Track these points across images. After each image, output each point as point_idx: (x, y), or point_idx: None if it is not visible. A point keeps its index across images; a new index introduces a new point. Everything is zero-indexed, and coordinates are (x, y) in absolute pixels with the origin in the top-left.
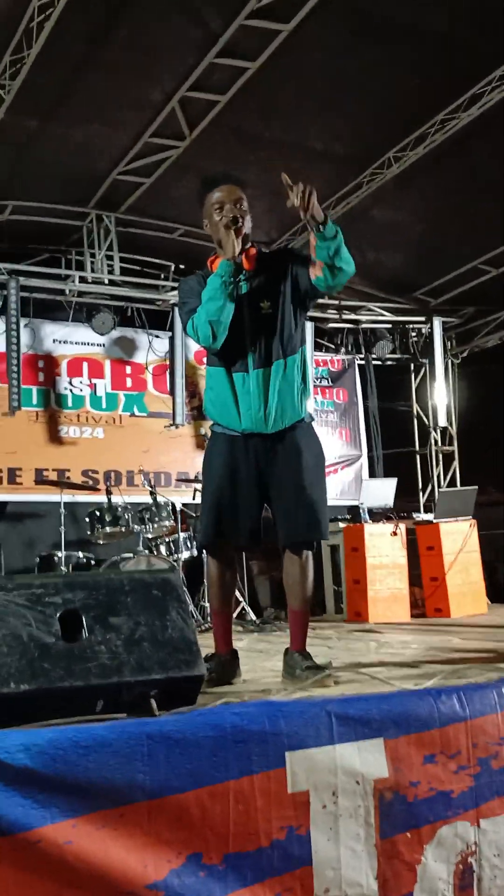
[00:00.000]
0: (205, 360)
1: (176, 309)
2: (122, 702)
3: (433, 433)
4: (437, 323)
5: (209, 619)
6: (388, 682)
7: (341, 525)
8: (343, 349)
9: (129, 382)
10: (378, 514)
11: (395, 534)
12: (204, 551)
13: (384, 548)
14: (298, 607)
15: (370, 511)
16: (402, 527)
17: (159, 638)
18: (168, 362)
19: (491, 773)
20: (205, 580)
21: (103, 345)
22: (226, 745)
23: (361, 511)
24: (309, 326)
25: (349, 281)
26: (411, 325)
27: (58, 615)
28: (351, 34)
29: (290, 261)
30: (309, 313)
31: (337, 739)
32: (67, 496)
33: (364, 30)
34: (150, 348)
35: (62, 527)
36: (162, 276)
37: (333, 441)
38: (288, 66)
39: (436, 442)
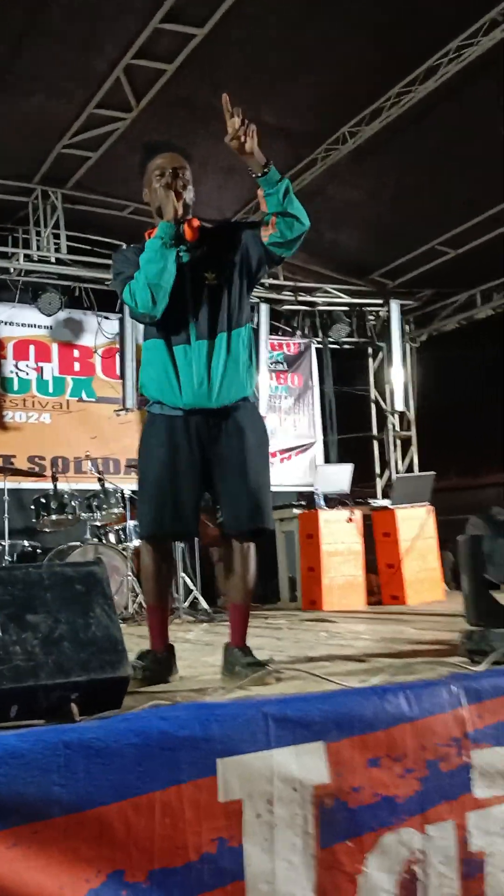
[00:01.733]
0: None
1: None
2: (40, 707)
3: (391, 418)
4: (395, 306)
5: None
6: (331, 679)
7: (296, 511)
8: (299, 332)
9: (76, 366)
10: (334, 501)
11: (350, 520)
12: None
13: (340, 534)
14: (240, 600)
15: (326, 497)
16: (359, 513)
17: (81, 637)
18: (118, 345)
19: (439, 777)
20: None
21: (50, 327)
22: (152, 754)
23: (316, 497)
24: (264, 309)
25: (304, 260)
26: (369, 308)
27: None
28: (302, 1)
29: (239, 231)
30: (264, 295)
31: (274, 744)
32: (12, 483)
33: None
34: (100, 329)
35: (6, 514)
36: (112, 255)
37: (288, 427)
38: (238, 33)
39: (393, 427)
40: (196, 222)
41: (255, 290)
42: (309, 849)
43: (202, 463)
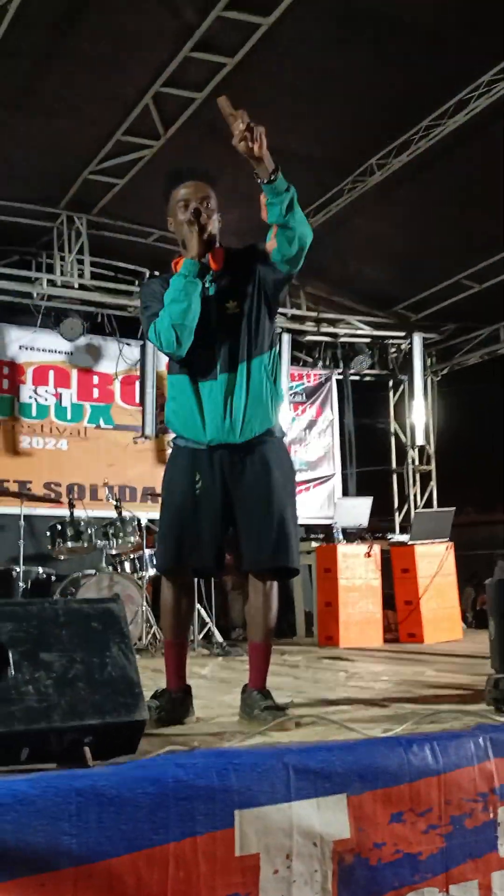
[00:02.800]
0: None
1: None
2: (52, 750)
3: (410, 452)
4: (418, 339)
5: None
6: (353, 728)
7: (314, 545)
8: (320, 363)
9: (95, 393)
10: (352, 535)
11: (368, 555)
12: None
13: (357, 569)
14: (260, 640)
15: (344, 531)
16: (377, 548)
17: (97, 677)
18: (138, 372)
19: (464, 834)
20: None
21: (71, 353)
22: (167, 804)
23: (335, 531)
24: (286, 339)
25: (327, 291)
26: (391, 341)
27: None
28: (334, 30)
29: (254, 253)
30: (286, 325)
31: (294, 796)
32: (28, 509)
33: (348, 26)
34: (121, 356)
35: (21, 540)
36: (135, 282)
37: (307, 458)
38: (268, 62)
39: (413, 461)
40: (221, 250)
41: (277, 318)
42: None
43: (224, 498)
